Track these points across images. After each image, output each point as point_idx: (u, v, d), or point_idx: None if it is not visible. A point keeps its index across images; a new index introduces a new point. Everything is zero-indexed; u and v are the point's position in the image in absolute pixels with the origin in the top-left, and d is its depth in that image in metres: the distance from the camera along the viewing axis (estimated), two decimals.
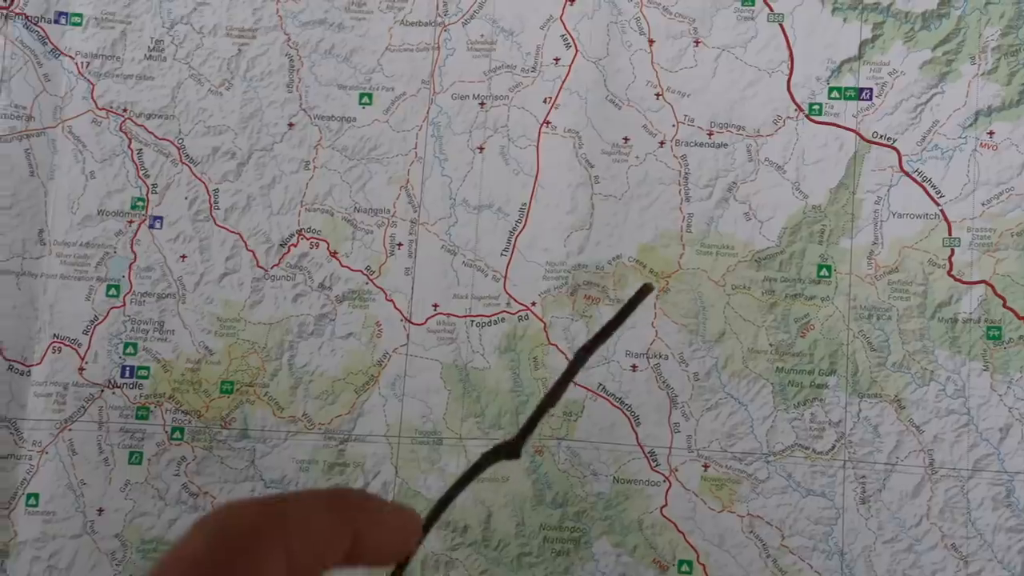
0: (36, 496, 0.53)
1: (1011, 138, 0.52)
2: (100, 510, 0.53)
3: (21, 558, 0.52)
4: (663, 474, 0.52)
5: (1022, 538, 0.49)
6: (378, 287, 0.55)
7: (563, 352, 0.53)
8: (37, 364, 0.54)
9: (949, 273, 0.51)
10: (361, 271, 0.55)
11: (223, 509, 0.20)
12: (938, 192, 0.52)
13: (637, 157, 0.54)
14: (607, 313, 0.53)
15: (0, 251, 0.54)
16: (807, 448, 0.51)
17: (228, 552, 0.19)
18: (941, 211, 0.52)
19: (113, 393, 0.54)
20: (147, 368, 0.54)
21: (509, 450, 0.25)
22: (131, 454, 0.54)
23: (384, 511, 0.23)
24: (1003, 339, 0.50)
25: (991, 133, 0.52)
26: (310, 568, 0.20)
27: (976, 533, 0.49)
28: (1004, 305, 0.51)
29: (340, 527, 0.21)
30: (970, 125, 0.52)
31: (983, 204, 0.51)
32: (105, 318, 0.55)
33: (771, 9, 0.54)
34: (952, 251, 0.51)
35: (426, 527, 0.24)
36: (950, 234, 0.52)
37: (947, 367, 0.51)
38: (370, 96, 0.56)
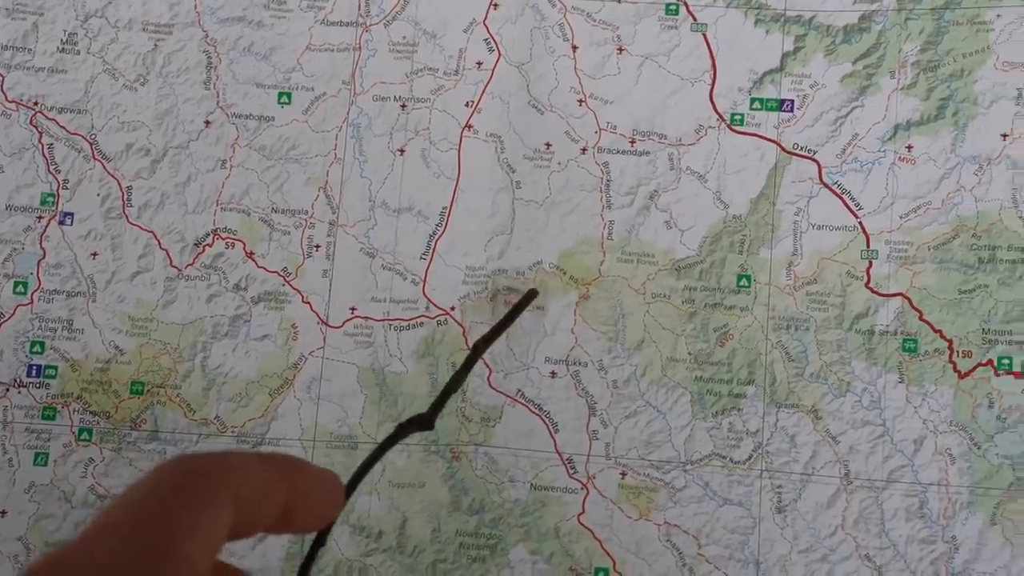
0: None
1: (928, 152, 0.52)
2: (3, 512, 0.52)
3: None
4: (581, 481, 0.51)
5: (934, 549, 0.49)
6: (295, 289, 0.54)
7: (482, 358, 0.52)
8: None
9: (867, 285, 0.51)
10: (277, 272, 0.54)
11: (179, 456, 0.21)
12: (857, 204, 0.52)
13: (559, 163, 0.54)
14: (527, 320, 0.53)
15: None
16: (724, 457, 0.51)
17: (183, 488, 0.20)
18: (860, 223, 0.52)
19: (19, 392, 0.53)
20: (55, 367, 0.53)
21: (423, 422, 0.27)
22: (36, 455, 0.52)
23: (313, 472, 0.23)
24: (919, 351, 0.51)
25: (909, 147, 0.52)
26: (250, 524, 0.21)
27: (890, 544, 0.49)
28: (920, 318, 0.51)
29: (276, 483, 0.22)
30: (889, 139, 0.52)
31: (901, 217, 0.52)
32: (11, 316, 0.53)
33: (694, 19, 0.54)
34: (870, 263, 0.52)
35: (347, 494, 0.25)
36: (868, 246, 0.52)
37: (863, 378, 0.51)
38: (289, 95, 0.55)
